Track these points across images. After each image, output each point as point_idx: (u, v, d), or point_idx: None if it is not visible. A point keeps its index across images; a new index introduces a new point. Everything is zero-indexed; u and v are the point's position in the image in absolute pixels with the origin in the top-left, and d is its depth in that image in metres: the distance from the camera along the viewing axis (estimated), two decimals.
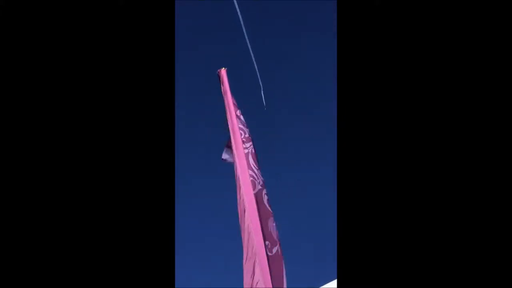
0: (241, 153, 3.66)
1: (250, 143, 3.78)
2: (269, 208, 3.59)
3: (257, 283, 3.29)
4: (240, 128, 3.75)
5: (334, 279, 3.00)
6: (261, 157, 3.82)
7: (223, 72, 3.94)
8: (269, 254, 3.39)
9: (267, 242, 3.43)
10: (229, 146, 3.80)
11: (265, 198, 3.63)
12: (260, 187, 3.67)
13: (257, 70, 4.02)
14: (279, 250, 3.46)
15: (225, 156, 3.87)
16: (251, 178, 3.61)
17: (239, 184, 3.58)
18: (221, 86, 3.92)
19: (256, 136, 3.86)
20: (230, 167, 3.79)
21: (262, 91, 4.08)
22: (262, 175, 3.77)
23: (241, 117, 3.88)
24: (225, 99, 3.86)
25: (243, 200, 3.53)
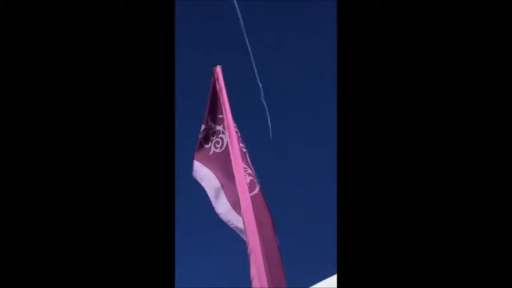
0: (237, 152, 3.66)
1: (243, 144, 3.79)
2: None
3: (253, 279, 3.31)
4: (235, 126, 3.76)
5: (334, 274, 3.01)
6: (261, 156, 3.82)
7: (219, 69, 3.94)
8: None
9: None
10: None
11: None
12: (258, 188, 3.68)
13: (255, 70, 4.02)
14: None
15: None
16: (250, 177, 3.63)
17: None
18: (217, 83, 3.92)
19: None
20: None
21: (261, 92, 4.08)
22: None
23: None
24: (220, 96, 3.86)
25: (239, 198, 3.54)
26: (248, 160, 3.72)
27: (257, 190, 3.65)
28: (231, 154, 3.65)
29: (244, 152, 3.72)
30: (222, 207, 3.81)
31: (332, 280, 2.98)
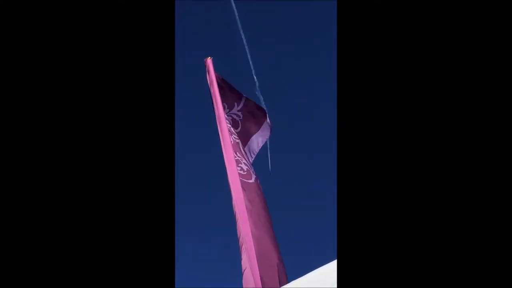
0: (228, 144, 3.66)
1: (240, 125, 3.77)
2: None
3: (245, 270, 3.30)
4: (229, 115, 3.75)
5: (334, 259, 2.99)
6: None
7: (209, 61, 3.94)
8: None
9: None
10: None
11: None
12: (254, 177, 3.67)
13: (252, 69, 4.02)
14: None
15: None
16: (245, 167, 3.61)
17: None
18: (207, 75, 3.91)
19: None
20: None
21: (257, 86, 4.07)
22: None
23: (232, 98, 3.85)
24: (211, 88, 3.86)
25: (232, 189, 3.53)
26: (243, 150, 3.71)
27: (253, 179, 3.64)
28: (222, 146, 3.65)
29: (237, 143, 3.71)
30: None
31: (332, 266, 2.96)
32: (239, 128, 3.81)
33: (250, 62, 4.07)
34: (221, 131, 3.70)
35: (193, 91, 6.14)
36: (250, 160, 3.83)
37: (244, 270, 3.29)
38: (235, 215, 3.45)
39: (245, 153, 3.76)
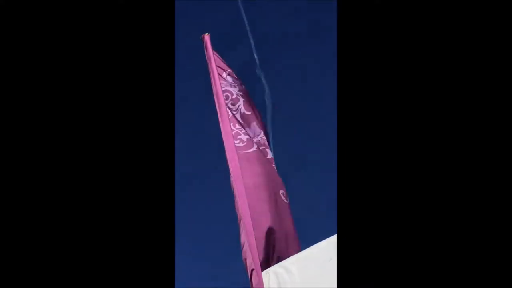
0: (225, 118, 3.65)
1: (240, 102, 3.76)
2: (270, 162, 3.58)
3: (243, 244, 3.31)
4: (225, 91, 3.74)
5: (334, 234, 3.01)
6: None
7: (207, 37, 3.92)
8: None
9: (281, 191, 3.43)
10: None
11: (268, 155, 3.60)
12: (255, 147, 3.64)
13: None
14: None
15: None
16: (241, 138, 3.59)
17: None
18: (205, 51, 3.90)
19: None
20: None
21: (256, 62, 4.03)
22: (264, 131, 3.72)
23: (229, 77, 3.85)
24: (208, 64, 3.85)
25: (229, 163, 3.53)
26: (242, 122, 3.69)
27: (254, 148, 3.62)
28: (219, 120, 3.65)
29: (235, 116, 3.70)
30: None
31: (332, 240, 2.98)
32: (238, 103, 3.79)
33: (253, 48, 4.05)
34: (218, 106, 3.70)
35: (193, 90, 6.12)
36: (255, 131, 3.78)
37: (242, 245, 3.31)
38: (233, 190, 3.46)
39: (246, 125, 3.74)
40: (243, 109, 3.78)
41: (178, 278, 2.33)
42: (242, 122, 3.73)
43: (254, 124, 3.73)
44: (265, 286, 3.00)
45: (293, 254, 3.18)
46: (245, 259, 3.24)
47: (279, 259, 3.17)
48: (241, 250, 3.33)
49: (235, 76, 3.86)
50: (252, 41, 4.01)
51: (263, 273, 3.07)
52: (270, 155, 3.68)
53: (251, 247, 3.19)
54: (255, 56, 3.98)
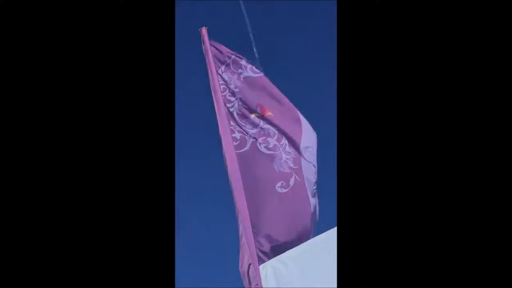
0: (222, 113, 3.63)
1: (236, 97, 3.73)
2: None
3: (241, 238, 3.30)
4: (222, 84, 3.72)
5: (334, 227, 3.02)
6: None
7: (204, 31, 3.89)
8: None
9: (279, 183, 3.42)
10: None
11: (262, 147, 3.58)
12: (250, 142, 3.62)
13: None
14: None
15: None
16: (235, 136, 3.58)
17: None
18: (202, 45, 3.87)
19: None
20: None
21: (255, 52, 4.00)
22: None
23: (226, 73, 3.81)
24: (206, 58, 3.82)
25: (226, 159, 3.52)
26: (237, 118, 3.67)
27: (247, 146, 3.61)
28: (217, 116, 3.63)
29: (232, 112, 3.68)
30: None
31: (332, 233, 2.99)
32: (235, 97, 3.77)
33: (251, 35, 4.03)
34: (215, 101, 3.68)
35: (192, 90, 6.12)
36: (251, 127, 3.75)
37: (241, 239, 3.30)
38: (231, 185, 3.44)
39: (242, 121, 3.72)
40: (240, 103, 3.75)
41: (178, 278, 2.33)
42: (237, 118, 3.71)
43: (252, 117, 3.70)
44: (262, 280, 2.99)
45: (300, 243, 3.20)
46: (242, 255, 3.23)
47: (276, 251, 3.19)
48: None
49: (238, 63, 3.80)
50: (252, 41, 3.99)
51: (261, 267, 3.08)
52: (271, 144, 3.64)
53: (248, 242, 3.19)
54: (256, 56, 3.96)
